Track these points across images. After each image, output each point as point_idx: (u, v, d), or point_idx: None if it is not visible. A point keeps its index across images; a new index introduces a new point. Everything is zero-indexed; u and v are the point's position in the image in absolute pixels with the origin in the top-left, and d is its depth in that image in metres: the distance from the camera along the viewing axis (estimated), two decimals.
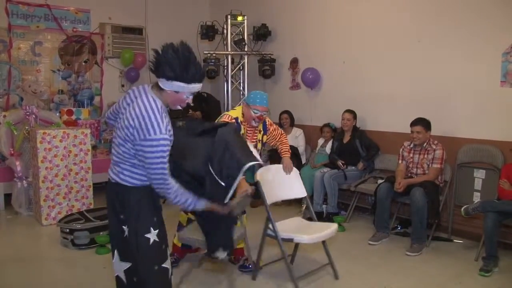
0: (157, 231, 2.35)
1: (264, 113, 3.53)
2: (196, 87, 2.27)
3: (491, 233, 3.82)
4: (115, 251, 2.42)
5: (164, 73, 2.19)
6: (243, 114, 3.55)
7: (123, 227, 2.33)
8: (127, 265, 2.39)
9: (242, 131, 3.54)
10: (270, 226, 3.42)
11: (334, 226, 3.55)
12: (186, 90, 2.25)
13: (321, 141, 5.94)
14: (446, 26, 4.76)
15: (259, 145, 3.72)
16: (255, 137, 3.68)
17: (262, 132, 3.73)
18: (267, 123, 3.80)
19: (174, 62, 2.18)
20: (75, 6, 7.10)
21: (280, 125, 6.36)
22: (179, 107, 2.34)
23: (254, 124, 3.55)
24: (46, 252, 4.39)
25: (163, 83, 2.22)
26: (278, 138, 3.90)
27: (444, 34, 4.78)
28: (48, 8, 6.86)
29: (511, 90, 4.32)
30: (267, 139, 3.79)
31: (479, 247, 4.14)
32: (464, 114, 4.69)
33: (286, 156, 3.87)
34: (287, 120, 6.29)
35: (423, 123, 4.54)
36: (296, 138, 6.21)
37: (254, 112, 3.46)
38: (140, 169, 2.28)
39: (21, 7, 6.67)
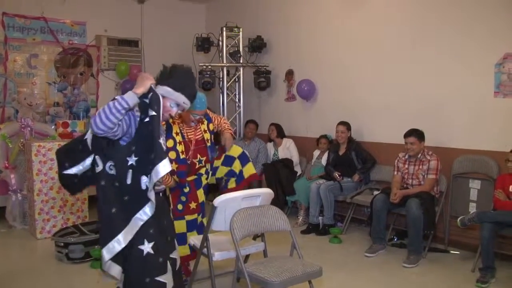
0: (152, 243, 2.33)
1: (203, 116, 3.60)
2: (182, 98, 2.42)
3: (487, 244, 3.81)
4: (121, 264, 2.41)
5: (159, 79, 2.40)
6: (180, 115, 3.52)
7: None
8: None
9: (176, 130, 3.57)
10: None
11: None
12: (171, 97, 2.39)
13: (316, 153, 5.94)
14: (440, 38, 4.79)
15: (207, 135, 3.71)
16: (199, 130, 3.67)
17: (206, 122, 3.73)
18: (208, 112, 3.82)
19: (173, 71, 2.43)
20: (71, 18, 7.12)
21: (268, 137, 6.38)
22: (162, 118, 2.39)
23: (192, 125, 3.62)
24: (41, 266, 4.35)
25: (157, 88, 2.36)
26: (220, 121, 3.90)
27: (438, 46, 4.81)
28: (44, 21, 6.88)
29: (504, 101, 4.35)
30: (213, 127, 3.80)
31: (475, 258, 4.12)
32: (458, 124, 4.71)
33: (227, 132, 3.80)
34: (274, 131, 6.31)
35: (416, 134, 4.56)
36: (287, 148, 6.22)
37: (193, 116, 3.53)
38: None
39: (17, 19, 6.69)
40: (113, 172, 2.28)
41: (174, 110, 2.44)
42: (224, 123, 3.92)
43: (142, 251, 2.31)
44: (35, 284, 3.90)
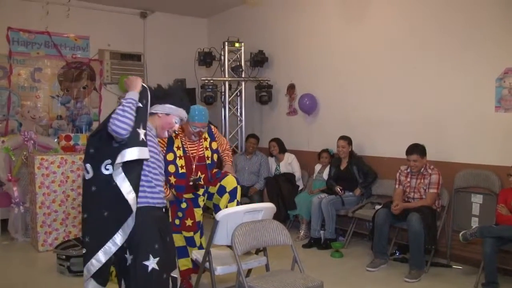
0: (157, 259, 2.31)
1: (203, 128, 3.60)
2: (184, 113, 2.60)
3: (490, 259, 3.80)
4: (122, 281, 2.40)
5: (158, 98, 2.51)
6: (182, 128, 3.59)
7: (125, 255, 2.32)
8: None
9: (178, 144, 3.58)
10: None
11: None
12: (176, 113, 2.54)
13: (318, 167, 5.95)
14: (441, 52, 4.83)
15: (208, 153, 3.71)
16: (201, 146, 3.68)
17: (209, 139, 3.75)
18: (212, 130, 3.84)
19: (170, 90, 2.62)
20: (74, 33, 7.19)
21: (270, 153, 6.39)
22: (166, 134, 2.58)
23: (194, 138, 3.63)
24: (42, 279, 4.34)
25: (155, 108, 2.49)
26: (224, 146, 3.95)
27: (439, 60, 4.85)
28: (48, 35, 6.95)
29: (505, 115, 4.36)
30: (217, 146, 3.81)
31: (478, 273, 4.10)
32: (460, 139, 4.72)
33: (228, 164, 3.92)
34: (276, 148, 6.30)
35: (417, 150, 4.55)
36: (290, 164, 6.23)
37: (193, 128, 3.54)
38: (144, 186, 2.35)
39: (22, 34, 6.77)
40: (109, 171, 2.29)
41: (177, 126, 2.58)
42: (227, 150, 3.96)
43: (146, 267, 2.28)
44: None
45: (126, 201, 2.24)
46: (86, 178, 2.34)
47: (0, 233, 5.76)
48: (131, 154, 2.22)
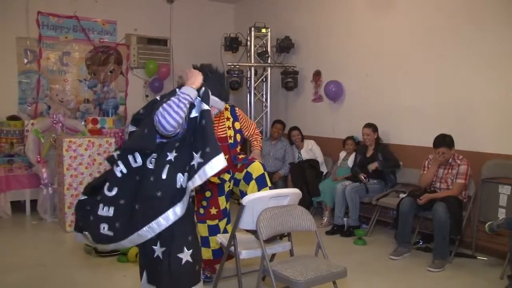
0: (191, 251, 2.26)
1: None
2: (223, 106, 2.60)
3: None
4: (144, 272, 2.36)
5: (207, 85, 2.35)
6: None
7: (153, 247, 2.25)
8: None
9: None
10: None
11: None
12: (218, 106, 2.52)
13: (342, 154, 5.92)
14: (470, 40, 4.72)
15: (231, 132, 3.61)
16: (222, 126, 3.60)
17: (232, 119, 3.66)
18: (236, 110, 3.75)
19: (220, 80, 2.56)
20: (102, 17, 7.27)
21: (291, 141, 6.37)
22: None
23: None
24: (69, 258, 4.46)
25: None
26: (252, 131, 3.87)
27: (468, 48, 4.74)
28: (76, 20, 7.05)
29: None
30: (241, 126, 3.72)
31: (504, 265, 4.04)
32: (488, 128, 4.63)
33: (256, 149, 3.85)
34: (299, 137, 6.28)
35: (445, 143, 4.45)
36: (311, 150, 6.22)
37: None
38: None
39: (51, 18, 6.88)
40: (151, 166, 2.19)
41: (213, 117, 2.50)
42: (256, 135, 3.89)
43: (181, 259, 2.22)
44: (63, 276, 4.00)
45: (160, 200, 2.16)
46: (133, 166, 2.23)
47: (30, 213, 5.93)
48: (211, 169, 2.10)
